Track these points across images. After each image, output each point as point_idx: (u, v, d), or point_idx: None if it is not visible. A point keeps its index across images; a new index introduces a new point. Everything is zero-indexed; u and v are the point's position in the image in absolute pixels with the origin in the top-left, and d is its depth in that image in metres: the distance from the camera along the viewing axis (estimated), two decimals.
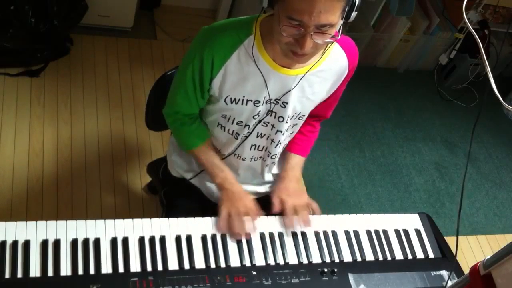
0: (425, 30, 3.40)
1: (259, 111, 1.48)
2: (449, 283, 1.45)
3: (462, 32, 3.32)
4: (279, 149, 1.64)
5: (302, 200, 1.60)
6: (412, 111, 3.43)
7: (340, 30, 1.28)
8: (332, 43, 1.29)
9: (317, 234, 1.58)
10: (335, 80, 1.50)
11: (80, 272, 1.32)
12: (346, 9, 1.21)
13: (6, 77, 2.66)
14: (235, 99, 1.45)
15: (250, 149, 1.61)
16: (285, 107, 1.48)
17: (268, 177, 1.74)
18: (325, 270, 1.48)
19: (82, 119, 2.63)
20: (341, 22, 1.25)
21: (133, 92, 2.84)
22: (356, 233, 1.61)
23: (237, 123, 1.53)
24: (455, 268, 1.59)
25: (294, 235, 1.55)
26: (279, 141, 1.58)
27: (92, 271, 1.33)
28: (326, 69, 1.45)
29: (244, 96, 1.44)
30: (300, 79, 1.42)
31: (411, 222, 1.71)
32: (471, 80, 3.54)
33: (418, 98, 3.53)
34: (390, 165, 3.07)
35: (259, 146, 1.61)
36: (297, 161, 1.69)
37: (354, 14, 1.24)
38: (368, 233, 1.63)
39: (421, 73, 3.70)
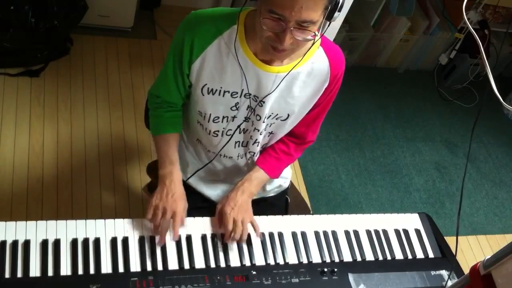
0: (425, 30, 3.41)
1: (237, 102, 1.47)
2: (449, 283, 1.45)
3: (462, 32, 3.32)
4: (257, 148, 1.62)
5: (245, 216, 1.52)
6: (412, 111, 3.43)
7: (322, 29, 1.27)
8: (312, 40, 1.28)
9: (317, 234, 1.58)
10: (316, 87, 1.47)
11: (80, 272, 1.32)
12: (329, 8, 1.21)
13: (6, 77, 2.66)
14: (212, 90, 1.44)
15: (235, 147, 1.60)
16: (262, 106, 1.46)
17: None
18: (325, 270, 1.48)
19: (82, 119, 2.63)
20: (325, 22, 1.24)
21: (133, 92, 2.84)
22: (356, 233, 1.61)
23: (213, 121, 1.51)
24: (455, 268, 1.59)
25: (294, 235, 1.56)
26: (257, 139, 1.57)
27: (92, 271, 1.33)
28: (306, 72, 1.43)
29: (221, 87, 1.43)
30: (281, 80, 1.41)
31: (411, 222, 1.71)
32: (471, 80, 3.54)
33: (418, 98, 3.53)
34: (390, 165, 3.07)
35: (242, 142, 1.60)
36: (259, 175, 1.60)
37: (337, 14, 1.23)
38: (368, 233, 1.63)
39: (421, 73, 3.70)
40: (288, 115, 1.52)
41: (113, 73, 2.89)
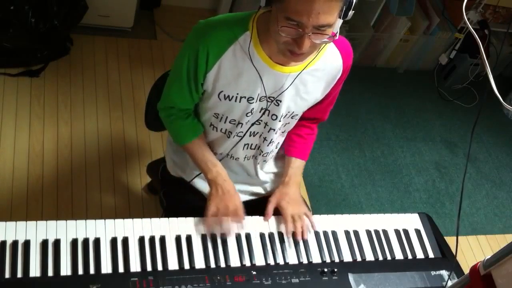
0: (425, 30, 3.40)
1: (252, 108, 1.48)
2: (449, 283, 1.45)
3: (462, 32, 3.32)
4: (271, 148, 1.63)
5: (301, 209, 1.59)
6: (412, 111, 3.43)
7: (338, 30, 1.28)
8: (330, 42, 1.30)
9: (317, 234, 1.58)
10: (329, 80, 1.50)
11: (80, 272, 1.32)
12: (344, 8, 1.22)
13: (6, 77, 2.66)
14: (228, 96, 1.45)
15: (243, 149, 1.61)
16: (278, 105, 1.48)
17: (263, 176, 1.73)
18: (325, 270, 1.48)
19: (82, 119, 2.63)
20: (339, 21, 1.25)
21: (133, 92, 2.84)
22: (356, 233, 1.61)
23: (229, 122, 1.53)
24: (455, 268, 1.59)
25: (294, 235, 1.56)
26: (272, 139, 1.58)
27: (92, 271, 1.33)
28: (321, 68, 1.45)
29: (237, 93, 1.44)
30: (295, 78, 1.43)
31: (411, 222, 1.71)
32: (471, 80, 3.54)
33: (418, 98, 3.53)
34: (390, 165, 3.07)
35: (251, 144, 1.61)
36: (298, 165, 1.68)
37: (351, 12, 1.24)
38: (368, 233, 1.63)
39: (421, 73, 3.70)
40: (303, 111, 1.55)
41: (113, 73, 2.89)
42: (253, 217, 1.57)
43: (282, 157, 1.79)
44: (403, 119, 3.36)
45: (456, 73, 3.59)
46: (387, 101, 3.43)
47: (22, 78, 2.68)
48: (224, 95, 1.45)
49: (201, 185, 1.72)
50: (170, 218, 1.49)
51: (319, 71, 1.46)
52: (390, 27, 3.36)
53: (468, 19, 3.18)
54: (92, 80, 2.81)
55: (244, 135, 1.56)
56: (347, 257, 1.55)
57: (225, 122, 1.53)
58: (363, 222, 1.65)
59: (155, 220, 1.47)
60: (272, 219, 1.58)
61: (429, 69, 3.72)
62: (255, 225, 1.54)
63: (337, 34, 1.26)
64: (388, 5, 3.20)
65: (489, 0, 3.21)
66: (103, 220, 1.43)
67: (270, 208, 1.57)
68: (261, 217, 1.57)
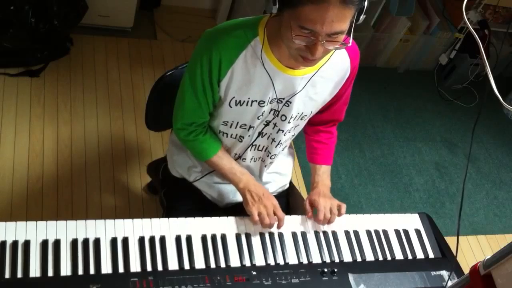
0: (425, 30, 3.41)
1: (263, 111, 1.49)
2: (449, 283, 1.45)
3: (462, 32, 3.32)
4: (279, 149, 1.64)
5: (333, 202, 1.62)
6: (412, 111, 3.43)
7: (351, 35, 1.28)
8: (342, 49, 1.30)
9: (317, 234, 1.58)
10: (338, 80, 1.51)
11: (80, 272, 1.32)
12: (356, 14, 1.22)
13: (6, 77, 2.66)
14: (240, 101, 1.45)
15: (251, 150, 1.61)
16: (289, 106, 1.48)
17: (266, 177, 1.74)
18: (325, 270, 1.48)
19: (82, 119, 2.63)
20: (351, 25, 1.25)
21: (133, 92, 2.84)
22: (356, 233, 1.61)
23: (240, 126, 1.53)
24: (455, 268, 1.59)
25: (294, 235, 1.56)
26: (280, 140, 1.59)
27: (92, 271, 1.33)
28: (328, 69, 1.46)
29: (249, 98, 1.44)
30: (308, 81, 1.43)
31: (411, 222, 1.71)
32: (471, 80, 3.54)
33: (418, 98, 3.53)
34: (390, 165, 3.07)
35: (259, 146, 1.61)
36: (324, 170, 1.70)
37: (362, 17, 1.25)
38: (368, 233, 1.63)
39: (421, 73, 3.70)
40: (311, 112, 1.56)
41: (113, 73, 2.89)
42: None
43: (286, 156, 1.79)
44: (403, 119, 3.36)
45: (456, 73, 3.59)
46: (387, 101, 3.43)
47: (22, 78, 2.68)
48: (236, 101, 1.45)
49: (202, 185, 1.72)
50: (170, 218, 1.49)
51: (328, 72, 1.46)
52: (390, 27, 3.36)
53: (468, 19, 3.18)
54: (92, 80, 2.81)
55: (257, 137, 1.57)
56: (347, 257, 1.55)
57: (236, 128, 1.53)
58: (363, 222, 1.65)
59: (155, 220, 1.47)
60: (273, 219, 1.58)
61: (429, 69, 3.72)
62: (255, 225, 1.54)
63: (351, 41, 1.26)
64: (388, 5, 3.20)
65: (489, 0, 3.21)
66: (103, 220, 1.42)
67: (307, 205, 1.61)
68: None
